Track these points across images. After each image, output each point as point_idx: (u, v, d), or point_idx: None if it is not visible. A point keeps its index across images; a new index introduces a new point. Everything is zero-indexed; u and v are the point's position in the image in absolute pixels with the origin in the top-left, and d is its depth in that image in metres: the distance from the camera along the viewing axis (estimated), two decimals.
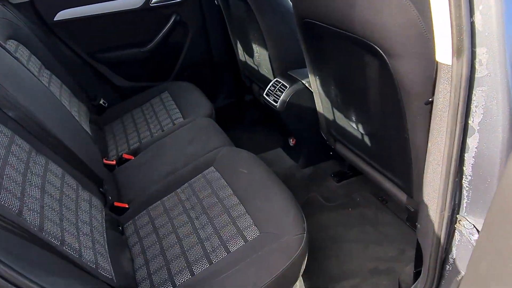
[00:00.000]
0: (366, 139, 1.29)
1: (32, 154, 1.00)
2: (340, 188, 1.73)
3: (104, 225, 1.12)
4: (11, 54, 1.24)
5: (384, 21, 0.87)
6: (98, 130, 1.80)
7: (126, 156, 1.58)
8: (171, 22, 2.06)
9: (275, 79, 1.63)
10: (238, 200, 1.15)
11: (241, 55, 2.06)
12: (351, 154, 1.47)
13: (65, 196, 1.00)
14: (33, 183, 0.91)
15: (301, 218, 1.06)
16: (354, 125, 1.30)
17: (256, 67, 1.92)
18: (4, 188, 0.79)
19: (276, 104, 1.59)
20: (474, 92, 0.71)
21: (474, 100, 0.72)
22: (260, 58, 1.79)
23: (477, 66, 0.69)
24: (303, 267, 1.06)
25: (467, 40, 0.66)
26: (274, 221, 1.05)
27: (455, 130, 0.75)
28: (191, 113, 1.71)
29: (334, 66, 1.25)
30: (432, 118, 0.81)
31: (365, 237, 1.53)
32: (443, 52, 0.71)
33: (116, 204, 1.31)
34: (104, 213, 1.18)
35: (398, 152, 1.12)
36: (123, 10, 1.95)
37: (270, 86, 1.64)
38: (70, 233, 0.91)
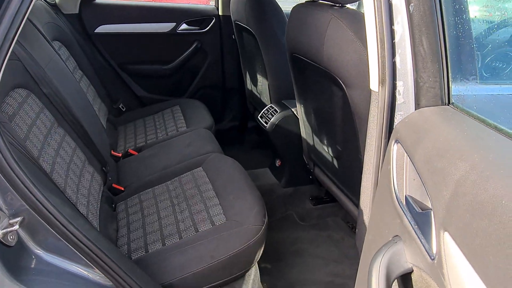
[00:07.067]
0: (335, 162, 1.49)
1: (55, 125, 1.24)
2: (315, 210, 1.90)
3: (100, 198, 1.33)
4: (55, 50, 1.54)
5: (343, 58, 1.11)
6: (112, 128, 2.06)
7: (131, 151, 1.81)
8: (192, 47, 2.38)
9: (270, 105, 1.88)
10: (214, 194, 1.37)
11: (249, 84, 2.33)
12: (326, 178, 1.66)
13: (73, 164, 1.24)
14: (51, 145, 1.15)
15: (263, 213, 1.27)
16: (325, 148, 1.50)
17: (258, 95, 2.17)
18: (29, 139, 1.04)
19: (266, 126, 1.82)
20: (395, 115, 0.92)
21: (395, 122, 0.92)
22: (262, 87, 2.05)
23: (397, 95, 0.90)
24: (259, 254, 1.23)
25: (388, 74, 0.88)
26: (239, 213, 1.27)
27: (381, 145, 0.95)
28: (195, 124, 1.96)
29: (313, 96, 1.48)
30: (367, 136, 1.01)
31: (328, 255, 1.68)
32: (373, 82, 0.93)
33: (114, 185, 1.53)
34: (102, 189, 1.40)
35: (357, 172, 1.31)
36: (154, 32, 2.28)
37: (264, 110, 1.88)
38: (71, 188, 1.14)
